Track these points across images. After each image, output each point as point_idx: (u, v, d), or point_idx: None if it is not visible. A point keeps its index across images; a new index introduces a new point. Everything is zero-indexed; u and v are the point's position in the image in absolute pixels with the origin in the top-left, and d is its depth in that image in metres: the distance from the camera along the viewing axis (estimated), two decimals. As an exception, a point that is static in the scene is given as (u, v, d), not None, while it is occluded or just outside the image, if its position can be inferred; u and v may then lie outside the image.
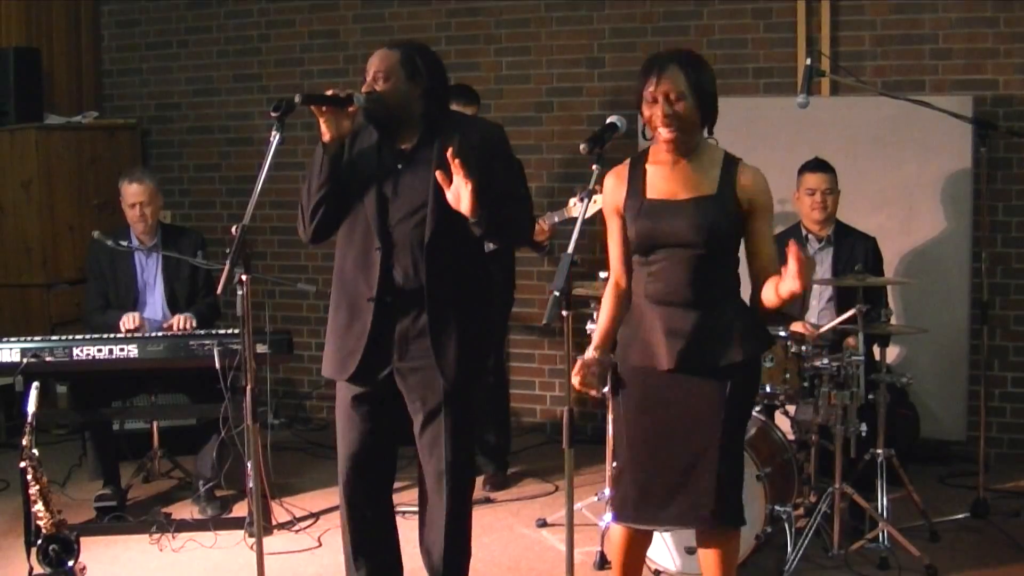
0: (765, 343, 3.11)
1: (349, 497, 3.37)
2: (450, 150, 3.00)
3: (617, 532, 3.15)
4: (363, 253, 3.22)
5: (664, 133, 2.90)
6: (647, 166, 3.00)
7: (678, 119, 2.88)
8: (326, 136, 3.12)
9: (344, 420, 3.35)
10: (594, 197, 3.05)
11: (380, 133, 3.22)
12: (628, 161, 3.05)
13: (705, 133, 3.01)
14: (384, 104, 3.15)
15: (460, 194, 3.04)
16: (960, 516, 4.41)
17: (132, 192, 4.85)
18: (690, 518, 3.02)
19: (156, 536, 4.42)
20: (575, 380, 2.99)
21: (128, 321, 4.68)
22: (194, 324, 4.75)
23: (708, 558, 3.10)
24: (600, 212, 3.23)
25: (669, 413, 2.97)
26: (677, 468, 2.98)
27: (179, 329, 4.71)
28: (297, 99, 3.02)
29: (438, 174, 3.05)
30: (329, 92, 3.10)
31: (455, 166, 3.00)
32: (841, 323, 4.23)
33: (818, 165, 4.62)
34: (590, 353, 3.07)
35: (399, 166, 3.20)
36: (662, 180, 2.97)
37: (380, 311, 3.20)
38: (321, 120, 3.10)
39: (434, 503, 3.34)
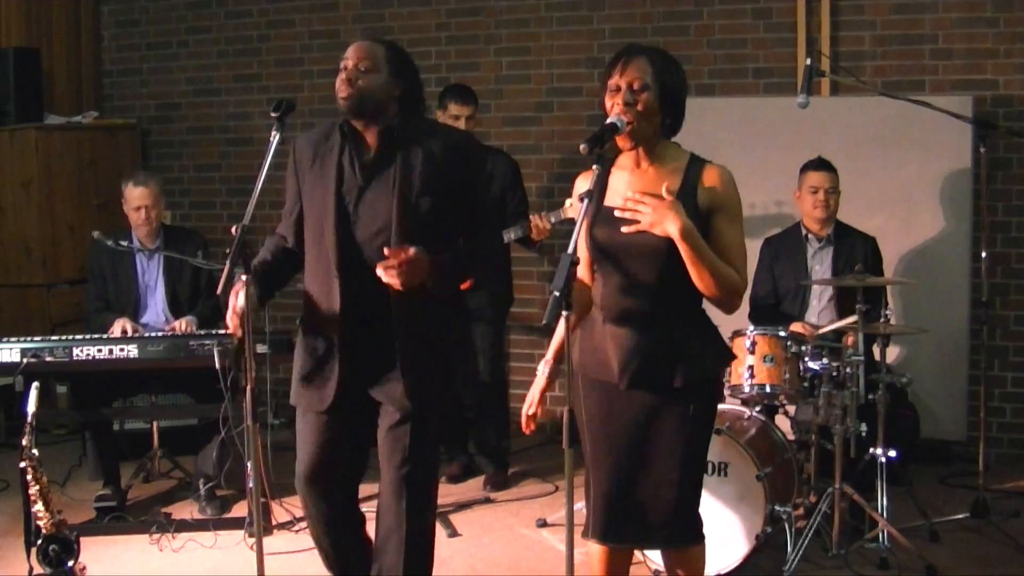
0: (724, 360, 3.00)
1: (310, 505, 3.25)
2: (392, 254, 2.90)
3: (596, 547, 3.03)
4: (326, 276, 3.08)
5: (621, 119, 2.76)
6: (612, 170, 2.90)
7: (636, 109, 2.75)
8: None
9: (304, 429, 3.21)
10: None
11: (345, 145, 3.08)
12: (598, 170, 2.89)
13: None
14: (365, 99, 3.01)
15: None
16: (960, 516, 4.41)
17: (137, 195, 4.82)
18: (649, 538, 2.97)
19: (156, 536, 4.42)
20: (529, 423, 2.98)
21: (119, 329, 4.66)
22: (194, 329, 4.74)
23: (673, 569, 3.02)
24: None
25: (628, 429, 2.87)
26: (636, 486, 2.89)
27: (181, 332, 4.70)
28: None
29: (382, 273, 2.92)
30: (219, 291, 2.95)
31: (397, 265, 2.90)
32: (840, 327, 4.23)
33: (821, 164, 4.62)
34: (543, 373, 2.99)
35: (361, 183, 3.06)
36: (623, 186, 2.86)
37: (346, 338, 3.07)
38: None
39: (390, 518, 3.15)
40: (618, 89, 2.78)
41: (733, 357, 3.06)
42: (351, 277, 3.04)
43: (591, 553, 3.06)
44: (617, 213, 2.75)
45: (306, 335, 3.18)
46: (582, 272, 2.93)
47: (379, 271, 2.91)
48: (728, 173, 2.83)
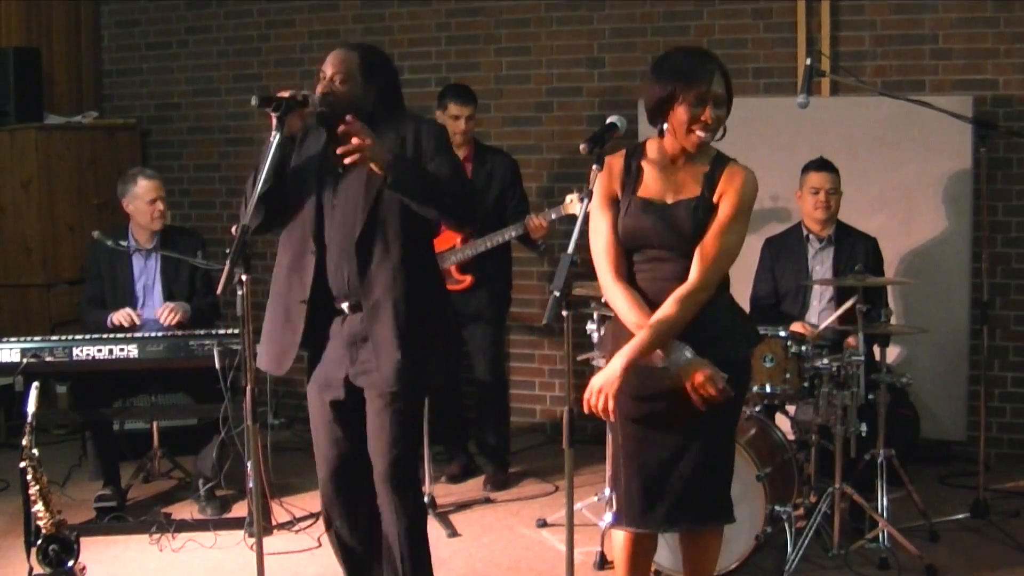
0: (752, 340, 3.11)
1: (329, 505, 3.39)
2: (348, 117, 2.97)
3: (620, 537, 3.11)
4: (298, 256, 3.22)
5: (703, 136, 2.89)
6: (642, 163, 2.99)
7: (718, 123, 2.90)
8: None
9: (318, 430, 3.35)
10: None
11: (328, 135, 3.21)
12: (623, 152, 3.02)
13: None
14: (339, 107, 3.14)
15: (365, 157, 2.97)
16: (960, 516, 4.41)
17: (151, 187, 4.81)
18: (685, 517, 3.01)
19: (156, 536, 4.43)
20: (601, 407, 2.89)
21: (120, 318, 4.66)
22: (178, 315, 4.72)
23: (693, 553, 3.09)
24: None
25: (662, 411, 2.96)
26: (671, 466, 2.97)
27: (168, 316, 4.69)
28: (253, 101, 3.02)
29: (339, 150, 2.97)
30: (285, 94, 3.08)
31: (352, 133, 2.95)
32: (839, 316, 4.23)
33: (823, 164, 4.62)
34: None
35: (340, 170, 3.16)
36: (653, 180, 2.97)
37: (315, 313, 3.20)
38: (274, 118, 3.07)
39: (384, 507, 3.29)
40: (702, 103, 2.86)
41: (761, 338, 3.13)
42: (323, 258, 3.19)
43: (616, 542, 3.13)
44: None
45: (273, 302, 3.31)
46: (612, 260, 2.96)
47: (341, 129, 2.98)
48: (747, 175, 2.94)
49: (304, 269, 3.20)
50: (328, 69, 3.19)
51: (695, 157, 2.96)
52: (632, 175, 2.99)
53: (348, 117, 2.99)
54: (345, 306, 3.21)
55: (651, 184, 2.97)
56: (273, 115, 3.01)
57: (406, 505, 3.27)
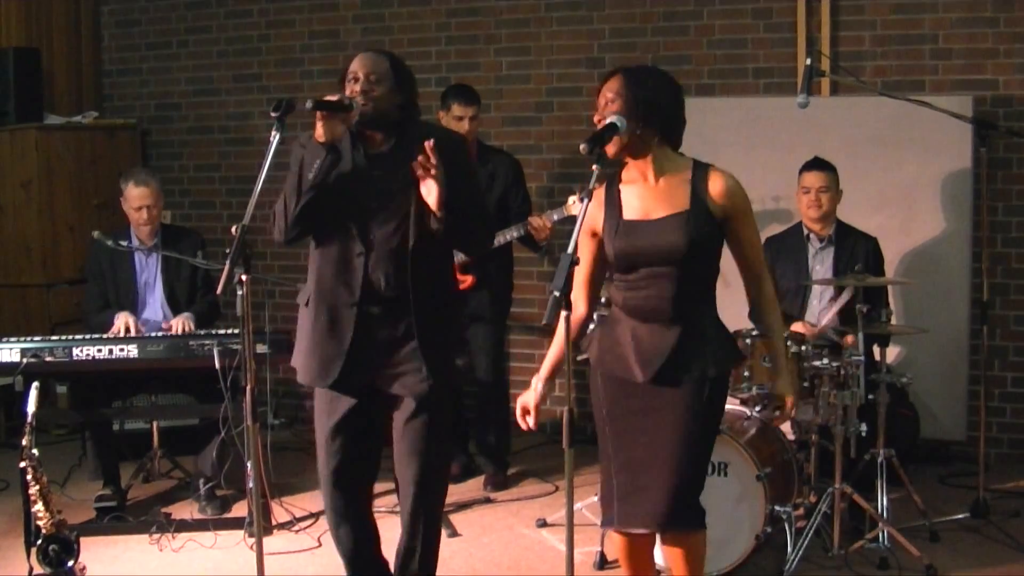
0: (736, 357, 3.15)
1: (334, 505, 3.39)
2: (429, 143, 3.05)
3: (616, 537, 3.16)
4: (343, 259, 3.23)
5: (600, 124, 2.95)
6: (620, 186, 3.03)
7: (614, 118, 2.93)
8: (322, 138, 3.12)
9: (330, 430, 3.34)
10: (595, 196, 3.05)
11: (355, 138, 3.24)
12: (605, 184, 3.07)
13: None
14: (379, 108, 3.18)
15: (431, 186, 3.09)
16: (960, 516, 4.41)
17: (139, 195, 4.83)
18: (650, 520, 3.03)
19: (156, 536, 4.43)
20: (523, 422, 3.12)
21: (120, 323, 4.66)
22: (192, 326, 4.74)
23: (673, 557, 3.10)
24: None
25: (641, 421, 2.99)
26: (649, 473, 2.99)
27: (178, 331, 4.70)
28: (309, 104, 3.06)
29: (413, 165, 3.07)
30: (334, 98, 3.13)
31: (428, 159, 3.05)
32: (839, 309, 4.23)
33: (815, 164, 4.63)
34: (537, 389, 3.10)
35: (375, 172, 3.22)
36: (636, 199, 3.00)
37: (362, 317, 3.22)
38: (320, 122, 3.11)
39: (411, 510, 3.33)
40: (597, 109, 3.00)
41: (744, 357, 3.14)
42: (367, 260, 3.21)
43: (615, 542, 3.18)
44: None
45: (316, 310, 3.29)
46: (577, 293, 3.08)
47: (419, 168, 3.08)
48: (733, 179, 2.98)
49: (353, 272, 3.22)
50: (360, 71, 3.19)
51: (667, 167, 2.99)
52: (613, 201, 3.02)
53: (429, 144, 3.06)
54: (377, 309, 3.22)
55: (634, 203, 3.00)
56: (273, 115, 3.03)
57: (433, 509, 3.34)
